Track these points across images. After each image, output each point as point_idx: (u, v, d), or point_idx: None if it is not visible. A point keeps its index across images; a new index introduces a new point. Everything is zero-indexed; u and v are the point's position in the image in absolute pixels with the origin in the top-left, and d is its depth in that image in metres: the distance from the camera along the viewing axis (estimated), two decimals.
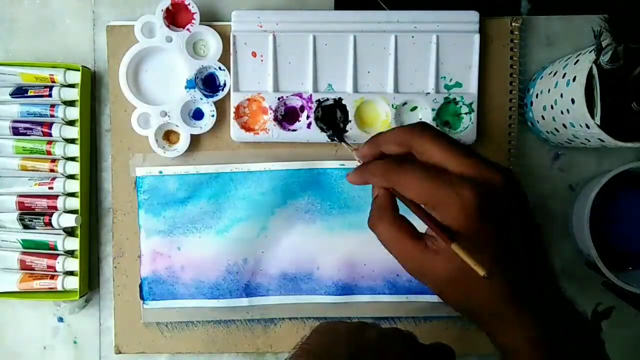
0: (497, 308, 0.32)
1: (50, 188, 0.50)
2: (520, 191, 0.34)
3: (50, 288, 0.50)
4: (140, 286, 0.51)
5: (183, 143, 0.50)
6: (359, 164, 0.38)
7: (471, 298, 0.32)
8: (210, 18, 0.50)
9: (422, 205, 0.33)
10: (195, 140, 0.50)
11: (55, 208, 0.50)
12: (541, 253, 0.34)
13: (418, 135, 0.34)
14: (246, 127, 0.50)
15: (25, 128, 0.50)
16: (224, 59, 0.49)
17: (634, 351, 0.51)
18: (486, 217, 0.31)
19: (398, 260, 0.34)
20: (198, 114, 0.51)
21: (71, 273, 0.50)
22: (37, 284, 0.50)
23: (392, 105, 0.49)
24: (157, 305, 0.51)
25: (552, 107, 0.44)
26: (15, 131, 0.50)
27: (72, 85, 0.50)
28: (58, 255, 0.50)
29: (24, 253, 0.50)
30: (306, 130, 0.49)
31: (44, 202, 0.50)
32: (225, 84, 0.50)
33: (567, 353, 0.32)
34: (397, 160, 0.34)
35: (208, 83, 0.50)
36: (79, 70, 0.49)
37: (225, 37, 0.49)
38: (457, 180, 0.31)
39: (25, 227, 0.49)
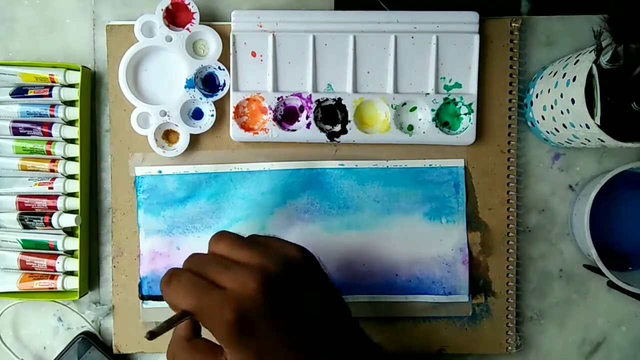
0: None
1: (50, 188, 0.50)
2: (290, 278, 0.34)
3: (50, 288, 0.50)
4: (140, 285, 0.51)
5: (182, 143, 0.50)
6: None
7: None
8: (210, 18, 0.51)
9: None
10: (194, 140, 0.50)
11: (55, 208, 0.50)
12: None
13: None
14: (246, 127, 0.50)
15: (25, 128, 0.50)
16: (224, 58, 0.49)
17: (633, 350, 0.51)
18: (250, 327, 0.32)
19: None
20: (197, 114, 0.51)
21: (71, 273, 0.50)
22: (37, 284, 0.50)
23: (392, 106, 0.49)
24: (157, 305, 0.51)
25: (552, 107, 0.44)
26: (15, 131, 0.50)
27: (72, 85, 0.50)
28: (58, 255, 0.50)
29: (24, 253, 0.50)
30: (305, 130, 0.49)
31: (44, 202, 0.50)
32: (224, 84, 0.50)
33: None
34: (170, 274, 0.34)
35: (208, 83, 0.50)
36: (79, 70, 0.49)
37: (225, 37, 0.49)
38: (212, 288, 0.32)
39: (25, 227, 0.49)
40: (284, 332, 0.33)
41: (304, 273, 0.36)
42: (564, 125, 0.43)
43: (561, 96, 0.42)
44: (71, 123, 0.50)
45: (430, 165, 0.50)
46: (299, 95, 0.49)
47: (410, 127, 0.50)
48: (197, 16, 0.49)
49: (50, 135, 0.50)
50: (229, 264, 0.34)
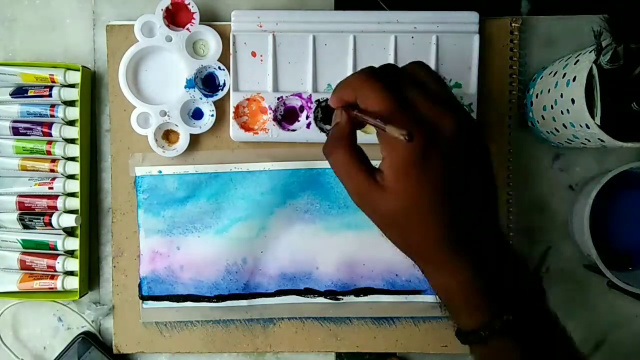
0: (431, 250, 0.33)
1: (50, 188, 0.50)
2: (474, 138, 0.34)
3: (50, 288, 0.50)
4: (140, 285, 0.51)
5: (182, 143, 0.50)
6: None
7: (410, 238, 0.33)
8: (210, 18, 0.51)
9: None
10: (194, 139, 0.50)
11: (55, 208, 0.50)
12: (486, 200, 0.34)
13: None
14: (246, 127, 0.50)
15: (25, 128, 0.50)
16: (224, 58, 0.49)
17: (633, 350, 0.51)
18: (429, 160, 0.31)
19: (347, 190, 0.34)
20: (197, 114, 0.51)
21: (71, 273, 0.50)
22: (37, 284, 0.50)
23: None
24: (157, 305, 0.51)
25: (552, 107, 0.44)
26: (15, 131, 0.50)
27: (72, 85, 0.50)
28: (58, 255, 0.50)
29: (24, 253, 0.50)
30: (305, 130, 0.49)
31: (44, 202, 0.50)
32: (224, 84, 0.50)
33: (500, 297, 0.33)
34: (367, 74, 0.33)
35: (208, 83, 0.50)
36: (79, 70, 0.49)
37: (225, 37, 0.49)
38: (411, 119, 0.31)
39: (25, 227, 0.49)
40: (445, 180, 0.32)
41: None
42: (564, 125, 0.43)
43: (561, 96, 0.42)
44: (71, 123, 0.50)
45: None
46: (299, 95, 0.49)
47: None
48: (197, 16, 0.49)
49: (50, 135, 0.50)
50: (432, 94, 0.32)
